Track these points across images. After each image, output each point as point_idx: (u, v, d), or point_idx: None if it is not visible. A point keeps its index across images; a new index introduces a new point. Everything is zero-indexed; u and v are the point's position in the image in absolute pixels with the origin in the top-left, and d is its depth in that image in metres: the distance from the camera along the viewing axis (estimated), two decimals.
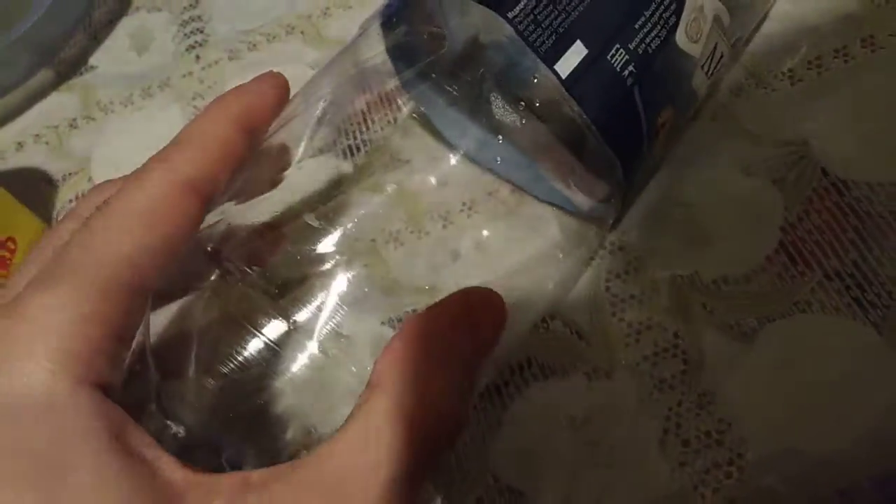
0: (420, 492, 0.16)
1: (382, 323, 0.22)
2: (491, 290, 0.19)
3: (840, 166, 0.24)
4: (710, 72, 0.23)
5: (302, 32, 0.35)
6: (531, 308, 0.22)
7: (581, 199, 0.22)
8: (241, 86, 0.20)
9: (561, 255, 0.23)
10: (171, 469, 0.15)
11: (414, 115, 0.22)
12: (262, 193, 0.21)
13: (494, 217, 0.23)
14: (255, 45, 0.35)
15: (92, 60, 0.38)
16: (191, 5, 0.38)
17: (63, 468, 0.14)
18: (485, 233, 0.22)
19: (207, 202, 0.18)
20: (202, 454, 0.18)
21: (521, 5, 0.19)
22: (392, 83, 0.22)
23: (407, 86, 0.22)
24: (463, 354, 0.17)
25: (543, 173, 0.23)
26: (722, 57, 0.23)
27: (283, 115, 0.21)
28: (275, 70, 0.21)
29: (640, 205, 0.25)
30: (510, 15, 0.18)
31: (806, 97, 0.26)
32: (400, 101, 0.22)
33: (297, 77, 0.22)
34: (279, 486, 0.15)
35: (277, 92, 0.20)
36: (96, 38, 0.38)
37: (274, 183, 0.21)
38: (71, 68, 0.37)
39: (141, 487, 0.15)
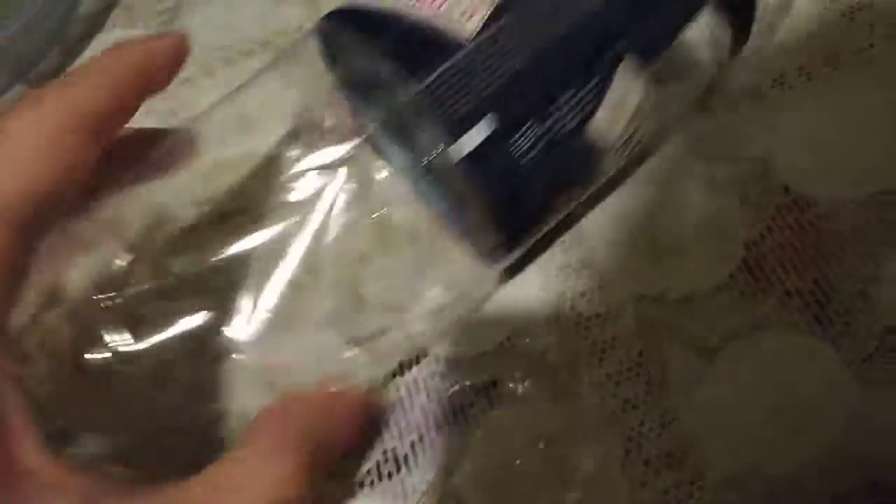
0: None
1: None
2: (358, 393, 0.21)
3: (802, 183, 0.24)
4: (626, 153, 0.22)
5: (277, 49, 0.35)
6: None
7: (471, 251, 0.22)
8: (141, 37, 0.20)
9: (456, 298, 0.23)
10: (32, 453, 0.15)
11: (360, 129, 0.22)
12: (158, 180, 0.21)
13: (399, 246, 0.22)
14: (229, 62, 0.35)
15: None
16: (165, 21, 0.38)
17: None
18: (389, 264, 0.22)
19: (102, 144, 0.18)
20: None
21: (434, 76, 0.18)
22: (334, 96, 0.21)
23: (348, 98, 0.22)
24: (318, 443, 0.19)
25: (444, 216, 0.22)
26: (640, 141, 0.22)
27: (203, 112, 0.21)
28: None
29: (605, 222, 0.25)
30: (421, 85, 0.18)
31: (770, 115, 0.26)
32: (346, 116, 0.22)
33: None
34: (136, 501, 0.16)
35: (176, 51, 0.20)
36: (72, 54, 0.38)
37: (172, 172, 0.21)
38: (46, 84, 0.37)
39: None
